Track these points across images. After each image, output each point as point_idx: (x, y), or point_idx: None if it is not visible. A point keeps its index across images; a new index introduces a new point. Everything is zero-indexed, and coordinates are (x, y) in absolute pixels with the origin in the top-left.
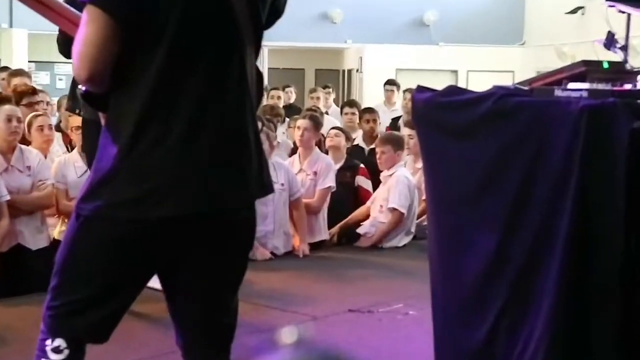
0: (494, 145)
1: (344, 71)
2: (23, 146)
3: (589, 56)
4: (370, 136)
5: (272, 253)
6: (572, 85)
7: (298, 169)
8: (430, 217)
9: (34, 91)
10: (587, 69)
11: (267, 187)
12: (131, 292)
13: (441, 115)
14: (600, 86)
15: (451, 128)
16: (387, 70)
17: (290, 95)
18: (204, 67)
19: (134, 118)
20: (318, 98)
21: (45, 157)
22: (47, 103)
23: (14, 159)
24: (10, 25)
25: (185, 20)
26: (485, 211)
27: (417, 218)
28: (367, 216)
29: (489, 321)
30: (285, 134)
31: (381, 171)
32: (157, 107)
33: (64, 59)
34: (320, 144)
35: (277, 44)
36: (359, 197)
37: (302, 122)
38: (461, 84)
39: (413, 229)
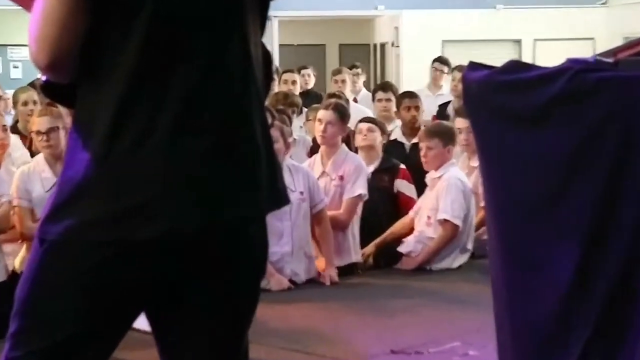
0: (571, 133)
1: (375, 46)
2: None
3: None
4: (411, 128)
5: (290, 281)
6: None
7: (320, 173)
8: (492, 229)
9: None
10: None
11: (281, 198)
12: (112, 337)
13: (501, 98)
14: None
15: (514, 115)
16: (430, 43)
17: (307, 79)
18: (196, 47)
19: (109, 115)
20: (344, 81)
21: None
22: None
23: None
24: None
25: None
26: (564, 217)
27: (475, 231)
28: (411, 230)
29: (573, 358)
30: (303, 128)
31: (427, 172)
32: (137, 100)
33: (18, 41)
34: (348, 141)
35: (289, 14)
36: (400, 207)
37: (324, 114)
38: (526, 58)
39: (470, 246)
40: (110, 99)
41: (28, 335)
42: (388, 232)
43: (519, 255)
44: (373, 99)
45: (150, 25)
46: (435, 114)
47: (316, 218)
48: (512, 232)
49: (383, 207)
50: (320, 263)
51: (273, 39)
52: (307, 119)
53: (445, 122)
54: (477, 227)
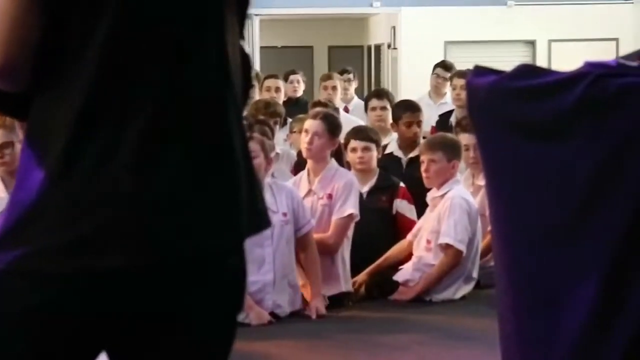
0: (591, 149)
1: (369, 48)
2: None
3: None
4: (410, 142)
5: (272, 314)
6: None
7: (306, 191)
8: (500, 258)
9: None
10: None
11: (261, 221)
12: None
13: (511, 108)
14: None
15: (526, 126)
16: (432, 45)
17: (296, 86)
18: (166, 51)
19: (67, 128)
20: (334, 88)
21: None
22: None
23: None
24: None
25: None
26: (583, 247)
27: (481, 258)
28: (409, 256)
29: None
30: (287, 141)
31: (426, 190)
32: (99, 113)
33: None
34: (338, 155)
35: (272, 12)
36: (399, 230)
37: (311, 124)
38: (540, 61)
39: (475, 274)
40: (69, 111)
41: None
42: (383, 258)
43: (532, 291)
44: (366, 108)
45: (113, 30)
46: (434, 124)
47: (301, 243)
48: (524, 263)
49: (380, 230)
50: (306, 292)
51: (254, 40)
52: (292, 131)
53: (450, 135)
54: (484, 254)
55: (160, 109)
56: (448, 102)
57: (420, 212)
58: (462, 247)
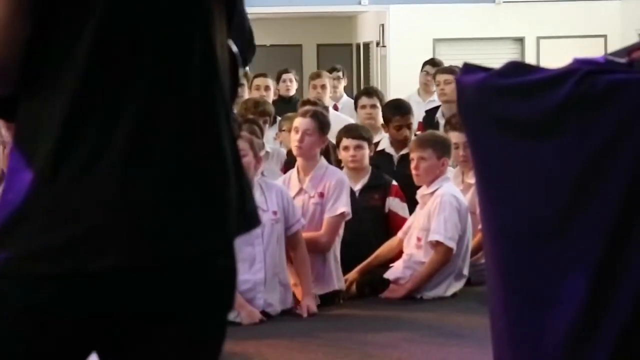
0: (581, 146)
1: (358, 46)
2: None
3: None
4: (401, 141)
5: (263, 313)
6: None
7: (297, 190)
8: (490, 255)
9: None
10: None
11: (251, 220)
12: None
13: (500, 105)
14: None
15: (515, 124)
16: (421, 43)
17: (289, 85)
18: (153, 51)
19: (56, 130)
20: (323, 87)
21: None
22: None
23: None
24: None
25: None
26: (573, 243)
27: (472, 255)
28: (399, 254)
29: None
30: (276, 140)
31: (417, 188)
32: (87, 114)
33: None
34: (327, 153)
35: (260, 11)
36: (392, 228)
37: (301, 122)
38: (529, 58)
39: (466, 271)
40: (57, 113)
41: None
42: (373, 256)
43: (522, 288)
44: (356, 106)
45: (101, 31)
46: (421, 120)
47: (291, 241)
48: (514, 261)
49: (373, 229)
50: (298, 291)
51: None
52: (281, 130)
53: (439, 132)
54: (474, 251)
55: (147, 110)
56: (437, 99)
57: (412, 210)
58: (453, 245)
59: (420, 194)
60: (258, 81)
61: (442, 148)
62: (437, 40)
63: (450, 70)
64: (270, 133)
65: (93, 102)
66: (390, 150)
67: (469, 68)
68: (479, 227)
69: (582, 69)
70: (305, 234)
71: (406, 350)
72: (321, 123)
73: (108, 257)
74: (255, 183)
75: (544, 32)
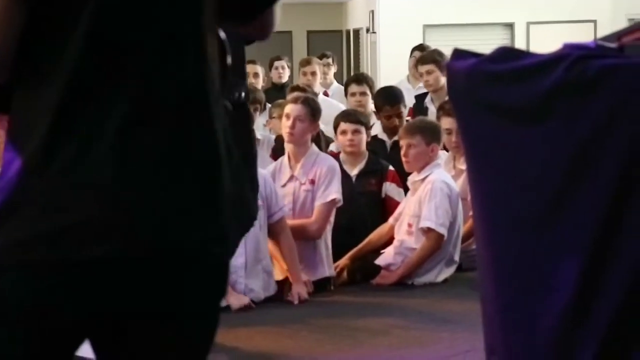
0: (571, 131)
1: (348, 32)
2: None
3: None
4: (393, 129)
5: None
6: None
7: (288, 177)
8: (482, 241)
9: None
10: None
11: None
12: None
13: (490, 91)
14: None
15: (506, 109)
16: (410, 29)
17: (281, 72)
18: (144, 41)
19: (47, 119)
20: (313, 74)
21: None
22: None
23: None
24: None
25: None
26: (564, 229)
27: (463, 241)
28: (390, 240)
29: None
30: (266, 127)
31: (409, 174)
32: (79, 105)
33: None
34: (319, 140)
35: None
36: (388, 213)
37: (292, 108)
38: (519, 43)
39: (457, 257)
40: (49, 105)
41: None
42: (364, 242)
43: (513, 274)
44: (346, 93)
45: (94, 24)
46: (412, 105)
47: (274, 229)
48: (505, 246)
49: (369, 214)
50: (281, 269)
51: None
52: (271, 117)
53: (428, 118)
54: (465, 237)
55: (138, 102)
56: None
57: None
58: (444, 231)
59: (411, 180)
60: (247, 68)
61: (431, 134)
62: (427, 27)
63: (430, 59)
64: (260, 120)
65: (84, 94)
66: (383, 136)
67: (459, 54)
68: (470, 213)
69: (572, 54)
70: (296, 221)
71: (397, 336)
72: (313, 109)
73: (95, 249)
74: None
75: (534, 17)
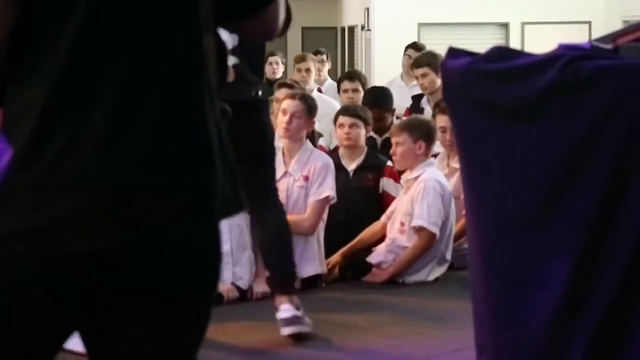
0: (565, 131)
1: (342, 29)
2: None
3: None
4: (381, 128)
5: (233, 285)
6: None
7: (282, 173)
8: (474, 240)
9: None
10: None
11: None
12: None
13: (484, 90)
14: None
15: (500, 109)
16: (405, 27)
17: (275, 68)
18: (135, 39)
19: (36, 112)
20: (308, 70)
21: None
22: None
23: None
24: None
25: None
26: (557, 228)
27: (455, 240)
28: (382, 238)
29: None
30: None
31: (401, 172)
32: (67, 100)
33: None
34: (313, 137)
35: None
36: (385, 208)
37: (289, 104)
38: (513, 43)
39: (449, 256)
40: (37, 96)
41: None
42: (356, 239)
43: (505, 272)
44: (338, 90)
45: (85, 20)
46: (409, 106)
47: None
48: (498, 245)
49: (366, 209)
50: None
51: None
52: None
53: (419, 116)
54: (457, 236)
55: (127, 97)
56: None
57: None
58: (436, 230)
59: (404, 178)
60: None
61: (418, 131)
62: (421, 25)
63: (424, 62)
64: None
65: (72, 89)
66: (373, 133)
67: (454, 52)
68: (463, 212)
69: (567, 55)
70: (289, 217)
71: (387, 334)
72: (309, 106)
73: (83, 242)
74: None
75: (529, 17)
